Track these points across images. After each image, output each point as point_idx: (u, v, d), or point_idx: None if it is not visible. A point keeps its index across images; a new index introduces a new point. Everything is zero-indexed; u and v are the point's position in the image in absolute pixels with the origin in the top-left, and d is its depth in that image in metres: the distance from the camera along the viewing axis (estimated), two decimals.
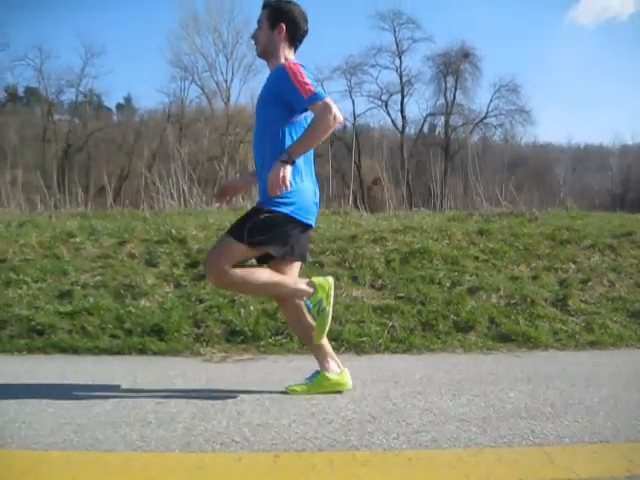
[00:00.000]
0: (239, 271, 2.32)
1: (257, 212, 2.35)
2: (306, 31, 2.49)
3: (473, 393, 2.46)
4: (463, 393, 2.46)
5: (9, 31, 36.80)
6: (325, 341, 2.49)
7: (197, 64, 27.41)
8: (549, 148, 32.17)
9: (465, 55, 28.39)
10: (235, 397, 2.36)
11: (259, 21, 2.48)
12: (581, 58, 48.45)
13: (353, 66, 28.24)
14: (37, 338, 3.33)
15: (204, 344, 3.31)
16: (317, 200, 2.46)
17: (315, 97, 2.23)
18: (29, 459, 1.72)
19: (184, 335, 3.36)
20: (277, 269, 2.41)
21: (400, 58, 28.65)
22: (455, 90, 29.07)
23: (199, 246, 4.34)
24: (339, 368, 2.47)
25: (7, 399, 2.31)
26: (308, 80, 2.27)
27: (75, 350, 3.22)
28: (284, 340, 3.32)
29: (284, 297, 2.46)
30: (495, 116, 29.46)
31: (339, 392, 2.43)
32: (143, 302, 3.67)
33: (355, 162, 21.60)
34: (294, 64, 2.34)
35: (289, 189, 2.22)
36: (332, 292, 2.40)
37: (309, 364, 2.57)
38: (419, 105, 45.99)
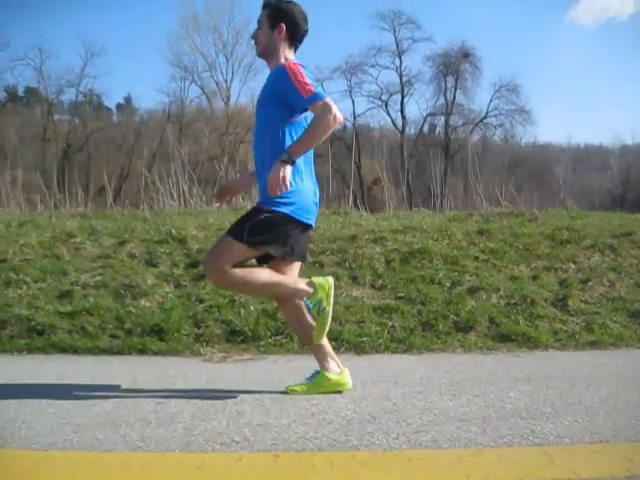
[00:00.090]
0: (239, 271, 2.32)
1: (257, 212, 2.35)
2: (306, 31, 2.49)
3: (473, 393, 2.46)
4: (463, 393, 2.46)
5: (9, 31, 36.91)
6: (325, 341, 2.48)
7: (197, 64, 27.44)
8: (549, 148, 32.17)
9: (465, 55, 28.39)
10: (235, 397, 2.36)
11: (259, 21, 2.48)
12: (581, 58, 48.53)
13: (353, 66, 28.28)
14: (37, 338, 3.33)
15: (204, 344, 3.31)
16: (317, 200, 2.46)
17: (315, 97, 2.23)
18: (29, 459, 1.72)
19: (184, 335, 3.36)
20: (277, 269, 2.41)
21: (400, 58, 28.69)
22: (455, 90, 29.11)
23: (199, 246, 4.34)
24: (339, 368, 2.47)
25: (7, 399, 2.31)
26: (308, 80, 2.27)
27: (75, 350, 3.22)
28: (284, 340, 3.32)
29: (284, 297, 2.46)
30: (495, 116, 29.49)
31: (339, 392, 2.43)
32: (143, 302, 3.67)
33: (355, 162, 21.59)
34: (294, 64, 2.34)
35: (289, 189, 2.22)
36: (332, 292, 2.40)
37: (309, 364, 2.57)
38: (419, 105, 46.12)
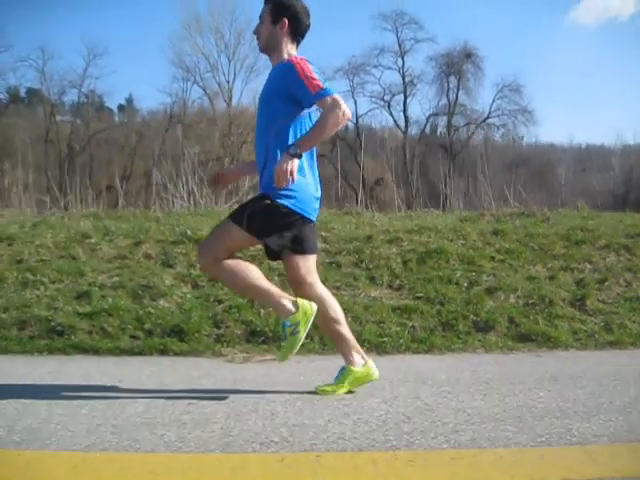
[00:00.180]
0: (231, 263, 2.31)
1: (259, 199, 2.36)
2: (308, 26, 2.48)
3: (502, 393, 2.45)
4: (492, 393, 2.45)
5: (11, 32, 36.63)
6: (349, 334, 2.47)
7: (199, 65, 27.37)
8: (551, 148, 32.17)
9: (467, 55, 28.38)
10: (265, 398, 2.35)
11: (261, 16, 2.47)
12: (582, 58, 48.49)
13: (355, 66, 28.24)
14: (57, 339, 3.32)
15: (225, 345, 3.31)
16: (318, 195, 2.44)
17: (323, 92, 2.23)
18: (71, 460, 1.71)
19: (205, 336, 3.36)
20: (290, 264, 2.38)
21: (402, 58, 28.67)
22: (457, 90, 29.10)
23: None
24: (363, 359, 2.46)
25: (37, 399, 2.30)
26: (315, 75, 2.26)
27: (96, 351, 3.22)
28: (305, 340, 3.26)
29: (265, 302, 2.41)
30: (498, 116, 29.47)
31: (369, 382, 2.42)
32: (162, 303, 3.67)
33: (358, 162, 21.57)
34: (300, 59, 2.33)
35: (295, 182, 2.21)
36: (312, 319, 2.29)
37: (332, 364, 2.59)
38: (422, 105, 45.96)
